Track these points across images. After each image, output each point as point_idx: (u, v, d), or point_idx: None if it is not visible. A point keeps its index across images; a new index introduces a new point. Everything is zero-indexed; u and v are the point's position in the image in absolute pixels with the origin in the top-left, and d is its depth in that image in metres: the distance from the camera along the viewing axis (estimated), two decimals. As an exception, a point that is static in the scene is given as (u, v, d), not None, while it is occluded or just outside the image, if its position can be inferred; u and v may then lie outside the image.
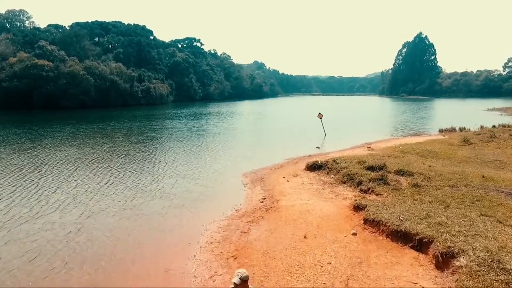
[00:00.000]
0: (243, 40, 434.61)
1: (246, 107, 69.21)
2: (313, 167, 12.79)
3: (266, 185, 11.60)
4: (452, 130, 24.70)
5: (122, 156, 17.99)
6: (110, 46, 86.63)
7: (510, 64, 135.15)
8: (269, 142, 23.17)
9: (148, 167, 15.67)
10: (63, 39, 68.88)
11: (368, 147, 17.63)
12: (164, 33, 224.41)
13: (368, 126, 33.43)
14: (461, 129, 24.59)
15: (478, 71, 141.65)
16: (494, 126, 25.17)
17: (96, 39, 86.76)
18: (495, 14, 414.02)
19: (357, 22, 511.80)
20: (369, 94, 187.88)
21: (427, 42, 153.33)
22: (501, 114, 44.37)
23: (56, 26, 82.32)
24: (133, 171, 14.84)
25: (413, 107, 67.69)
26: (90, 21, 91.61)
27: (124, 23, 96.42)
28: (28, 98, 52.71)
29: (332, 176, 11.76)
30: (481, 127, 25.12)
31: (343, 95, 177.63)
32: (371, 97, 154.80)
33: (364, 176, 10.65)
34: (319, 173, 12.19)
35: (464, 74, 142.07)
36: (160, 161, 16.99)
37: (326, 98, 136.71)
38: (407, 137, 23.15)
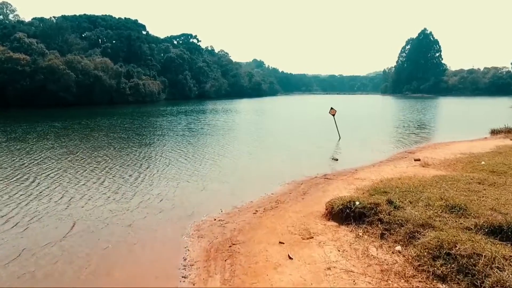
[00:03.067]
0: (242, 38, 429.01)
1: (243, 105, 63.68)
2: (344, 215, 6.10)
3: (237, 275, 4.80)
4: (508, 131, 19.38)
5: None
6: (99, 40, 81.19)
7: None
8: (265, 150, 16.44)
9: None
10: (45, 32, 63.51)
11: (416, 160, 11.72)
12: (161, 30, 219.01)
13: (389, 127, 27.82)
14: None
15: (485, 68, 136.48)
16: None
17: (85, 33, 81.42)
18: (502, 9, 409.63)
19: (357, 21, 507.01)
20: (370, 93, 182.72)
21: (431, 39, 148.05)
22: None
23: (41, 20, 76.59)
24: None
25: (426, 105, 62.30)
26: (77, 14, 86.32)
27: (114, 17, 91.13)
28: (1, 95, 47.37)
29: (398, 246, 4.97)
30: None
31: (344, 94, 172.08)
32: (373, 95, 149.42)
33: (495, 263, 3.90)
34: (359, 233, 5.62)
35: (471, 71, 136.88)
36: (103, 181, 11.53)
37: (328, 97, 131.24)
38: (456, 142, 16.72)
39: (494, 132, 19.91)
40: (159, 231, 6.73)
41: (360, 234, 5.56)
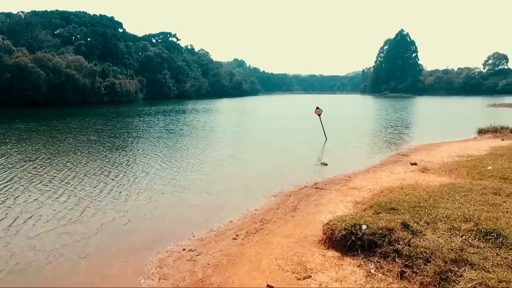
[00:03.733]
0: (223, 37, 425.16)
1: (224, 105, 62.26)
2: (348, 243, 4.87)
3: None
4: (495, 130, 19.07)
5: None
6: (72, 38, 77.37)
7: (490, 61, 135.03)
8: (248, 154, 15.00)
9: None
10: (12, 28, 59.75)
11: (412, 164, 10.75)
12: (139, 28, 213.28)
13: (375, 127, 27.28)
14: (501, 129, 19.01)
15: (459, 68, 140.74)
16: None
17: (57, 30, 77.37)
18: (474, 11, 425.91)
19: (337, 21, 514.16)
20: (350, 93, 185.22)
21: (408, 40, 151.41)
22: None
23: (8, 15, 72.16)
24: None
25: (407, 104, 63.04)
26: (49, 10, 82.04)
27: (89, 14, 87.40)
28: (-38, 95, 43.90)
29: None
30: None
31: (325, 94, 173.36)
32: (353, 95, 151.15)
33: None
34: (371, 269, 4.38)
35: (446, 71, 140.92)
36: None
37: (309, 97, 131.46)
38: (447, 143, 15.80)
39: (481, 132, 19.59)
40: (115, 268, 5.27)
41: (372, 271, 4.32)
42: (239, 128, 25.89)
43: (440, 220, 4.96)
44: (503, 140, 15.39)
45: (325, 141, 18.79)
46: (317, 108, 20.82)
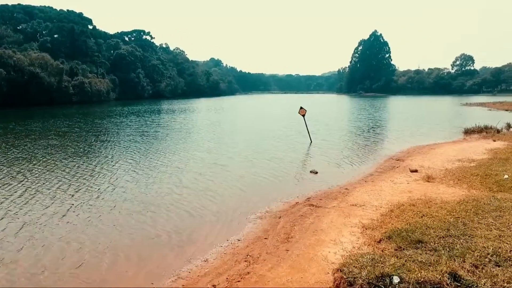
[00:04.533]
0: (199, 36, 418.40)
1: (201, 105, 60.35)
2: None
3: None
4: (480, 130, 18.77)
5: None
6: (37, 34, 72.56)
7: (457, 62, 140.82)
8: (229, 161, 13.09)
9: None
10: (-33, 22, 54.85)
11: (413, 171, 9.71)
12: (111, 26, 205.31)
13: (359, 127, 26.62)
14: (485, 129, 18.75)
15: (429, 69, 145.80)
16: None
17: (20, 25, 72.25)
18: (442, 12, 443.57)
19: (313, 21, 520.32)
20: (326, 92, 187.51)
21: (381, 40, 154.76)
22: (490, 109, 40.91)
23: (-36, 8, 66.84)
24: None
25: (383, 104, 63.69)
26: (10, 3, 76.58)
27: (55, 9, 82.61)
28: None
29: None
30: (508, 125, 19.63)
31: (302, 93, 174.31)
32: (329, 94, 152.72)
33: None
34: None
35: (417, 71, 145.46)
36: None
37: (287, 96, 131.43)
38: (439, 145, 14.71)
39: (467, 132, 19.27)
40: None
41: None
42: (218, 130, 24.42)
43: (489, 261, 3.85)
44: (494, 141, 14.91)
45: (310, 144, 17.74)
46: (301, 108, 19.75)
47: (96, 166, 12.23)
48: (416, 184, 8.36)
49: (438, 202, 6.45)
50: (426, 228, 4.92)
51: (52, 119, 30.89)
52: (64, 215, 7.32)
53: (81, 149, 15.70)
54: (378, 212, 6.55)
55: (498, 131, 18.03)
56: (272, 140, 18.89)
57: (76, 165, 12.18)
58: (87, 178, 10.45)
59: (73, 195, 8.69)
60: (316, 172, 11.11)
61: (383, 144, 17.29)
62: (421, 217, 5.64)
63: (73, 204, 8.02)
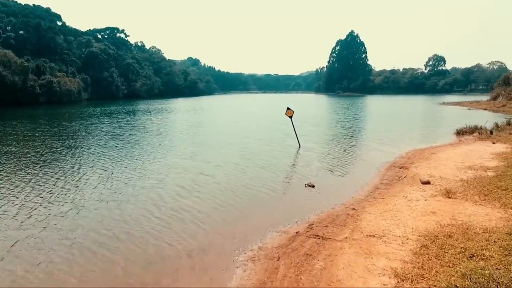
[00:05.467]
0: (176, 34, 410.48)
1: (179, 105, 58.07)
2: None
3: None
4: (471, 131, 18.19)
5: None
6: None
7: (430, 63, 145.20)
8: (212, 170, 11.40)
9: None
10: None
11: (424, 183, 8.49)
12: (83, 23, 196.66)
13: (345, 127, 25.67)
14: (476, 129, 18.21)
15: (404, 69, 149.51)
16: (509, 123, 19.56)
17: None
18: (416, 13, 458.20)
19: (291, 22, 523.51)
20: (304, 92, 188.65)
21: (358, 41, 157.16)
22: (469, 109, 41.37)
23: None
24: None
25: (363, 103, 63.92)
26: (-32, -3, 70.90)
27: (19, 3, 77.39)
28: None
29: None
30: (496, 124, 19.24)
31: (281, 93, 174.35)
32: (308, 94, 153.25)
33: None
34: None
35: (393, 71, 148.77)
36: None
37: (266, 96, 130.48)
38: (438, 148, 13.91)
39: (459, 133, 18.66)
40: None
41: None
42: (201, 132, 22.70)
43: None
44: (494, 143, 14.19)
45: (299, 149, 16.40)
46: (288, 109, 18.38)
47: (58, 179, 10.32)
48: (436, 202, 7.09)
49: (479, 230, 5.25)
50: (490, 281, 3.65)
51: (14, 121, 28.01)
52: (1, 259, 5.51)
53: (42, 158, 13.62)
54: (407, 247, 5.16)
55: (491, 132, 17.48)
56: (257, 144, 17.45)
57: (33, 179, 10.22)
58: (44, 197, 8.59)
59: (21, 224, 6.84)
60: (313, 186, 9.51)
61: (378, 147, 16.23)
62: (470, 258, 4.40)
63: (20, 236, 6.23)
